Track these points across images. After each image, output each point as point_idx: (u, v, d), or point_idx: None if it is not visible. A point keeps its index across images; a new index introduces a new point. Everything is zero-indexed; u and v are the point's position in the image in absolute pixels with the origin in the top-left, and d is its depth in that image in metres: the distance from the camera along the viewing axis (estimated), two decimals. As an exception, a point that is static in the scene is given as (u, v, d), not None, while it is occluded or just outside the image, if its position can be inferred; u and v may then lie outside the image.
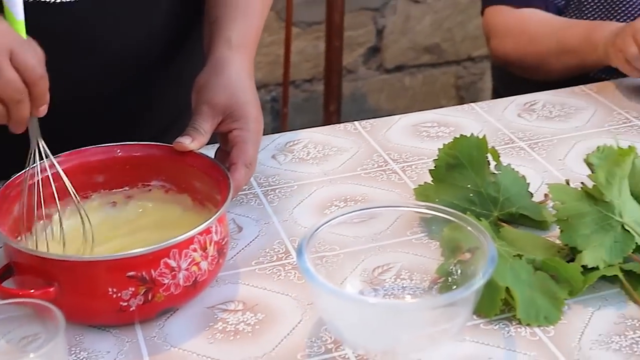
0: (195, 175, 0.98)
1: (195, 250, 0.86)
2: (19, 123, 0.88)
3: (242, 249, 1.00)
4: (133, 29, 1.12)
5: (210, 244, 0.88)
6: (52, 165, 0.93)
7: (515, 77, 1.72)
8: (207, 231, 0.87)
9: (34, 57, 0.86)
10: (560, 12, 1.62)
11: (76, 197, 0.93)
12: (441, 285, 0.90)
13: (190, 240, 0.85)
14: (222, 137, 1.04)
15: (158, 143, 1.01)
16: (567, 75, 1.47)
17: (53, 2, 0.92)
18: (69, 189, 0.92)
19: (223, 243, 0.91)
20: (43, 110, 0.89)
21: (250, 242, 1.01)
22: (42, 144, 0.91)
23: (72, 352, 0.85)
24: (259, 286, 0.94)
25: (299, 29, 2.19)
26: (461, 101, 2.45)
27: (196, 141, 0.99)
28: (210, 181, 0.96)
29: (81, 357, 0.84)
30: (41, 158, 0.91)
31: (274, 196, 1.10)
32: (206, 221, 0.86)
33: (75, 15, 1.04)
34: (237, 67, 1.05)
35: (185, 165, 0.99)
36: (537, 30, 1.57)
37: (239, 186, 0.98)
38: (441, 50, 2.32)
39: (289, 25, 1.83)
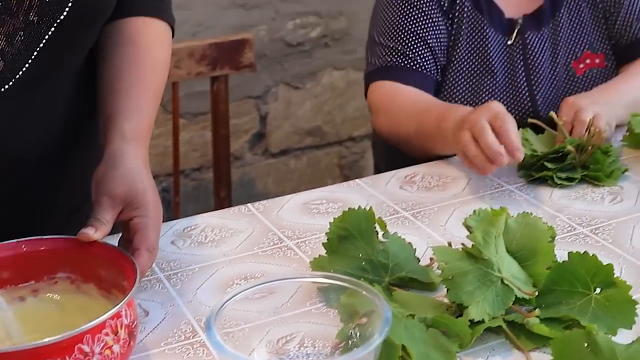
0: (100, 264, 1.02)
1: (107, 334, 0.90)
2: None
3: (151, 331, 1.04)
4: (30, 129, 1.16)
5: (121, 328, 0.92)
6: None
7: (393, 153, 1.82)
8: (118, 315, 0.91)
9: None
10: (439, 86, 1.74)
11: None
12: (342, 349, 0.96)
13: (102, 325, 0.89)
14: (123, 226, 1.08)
15: (62, 236, 1.04)
16: (431, 156, 1.53)
17: None
18: None
19: (133, 326, 0.94)
20: None
21: (158, 324, 1.05)
22: None
23: None
24: (169, 365, 0.98)
25: (186, 120, 2.26)
26: (345, 179, 2.53)
27: (99, 231, 1.03)
28: (116, 268, 1.00)
29: None
30: None
31: (176, 279, 1.15)
32: (116, 305, 0.90)
33: None
34: (132, 158, 1.10)
35: (90, 255, 1.02)
36: (401, 109, 1.65)
37: (143, 271, 1.02)
38: (323, 133, 2.43)
39: (175, 117, 1.89)
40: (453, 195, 1.36)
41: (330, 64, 2.35)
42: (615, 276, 1.02)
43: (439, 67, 1.72)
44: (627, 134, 1.53)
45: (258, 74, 2.24)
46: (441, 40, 1.72)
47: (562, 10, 1.75)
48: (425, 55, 1.71)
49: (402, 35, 1.72)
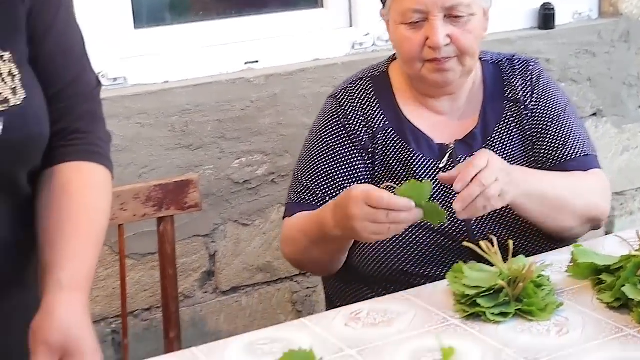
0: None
1: None
2: None
3: None
4: None
5: None
6: None
7: (343, 285, 1.83)
8: None
9: None
10: None
11: None
12: None
13: None
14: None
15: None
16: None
17: None
18: None
19: None
20: None
21: None
22: None
23: None
24: None
25: (134, 261, 2.24)
26: (298, 315, 2.52)
27: None
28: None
29: None
30: None
31: None
32: None
33: None
34: (68, 306, 1.10)
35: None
36: (296, 230, 1.74)
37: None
38: (274, 268, 2.42)
39: (122, 258, 1.88)
40: (399, 331, 1.36)
41: (277, 200, 2.36)
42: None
43: None
44: (572, 264, 1.55)
45: (206, 212, 2.25)
46: (356, 177, 1.77)
47: (493, 135, 1.80)
48: (334, 195, 1.74)
49: (315, 175, 1.79)
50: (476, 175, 1.50)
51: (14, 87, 1.15)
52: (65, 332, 1.06)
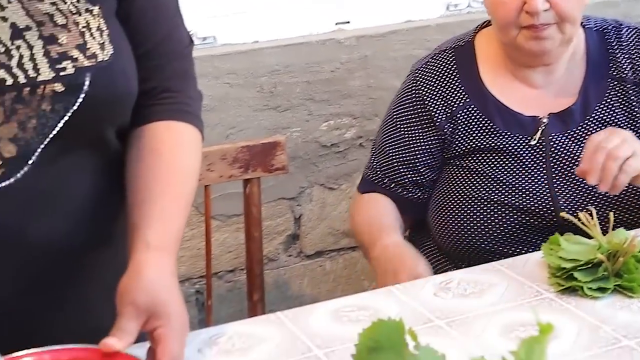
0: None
1: None
2: None
3: None
4: (46, 218, 1.15)
5: None
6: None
7: (428, 257, 1.79)
8: None
9: None
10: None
11: None
12: None
13: None
14: (149, 336, 1.07)
15: (85, 345, 1.03)
16: None
17: None
18: None
19: None
20: None
21: None
22: None
23: None
24: None
25: (219, 222, 2.24)
26: (382, 282, 2.49)
27: (123, 341, 1.02)
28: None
29: None
30: None
31: (200, 392, 1.11)
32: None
33: None
34: (156, 267, 1.09)
35: (112, 366, 1.00)
36: (359, 220, 1.79)
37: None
38: (359, 234, 2.40)
39: (208, 219, 1.87)
40: (490, 303, 1.31)
41: (365, 164, 2.34)
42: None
43: (407, 186, 1.77)
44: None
45: (292, 175, 2.23)
46: (419, 162, 1.74)
47: (594, 115, 1.70)
48: (392, 177, 1.77)
49: (379, 153, 1.80)
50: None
51: (102, 43, 1.13)
52: (152, 294, 1.05)
